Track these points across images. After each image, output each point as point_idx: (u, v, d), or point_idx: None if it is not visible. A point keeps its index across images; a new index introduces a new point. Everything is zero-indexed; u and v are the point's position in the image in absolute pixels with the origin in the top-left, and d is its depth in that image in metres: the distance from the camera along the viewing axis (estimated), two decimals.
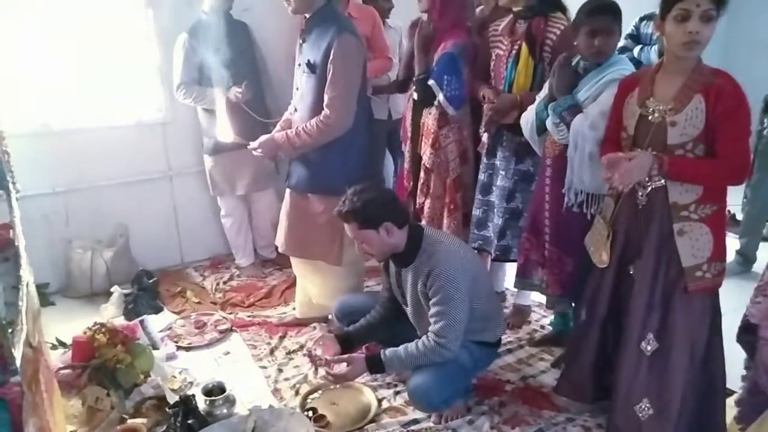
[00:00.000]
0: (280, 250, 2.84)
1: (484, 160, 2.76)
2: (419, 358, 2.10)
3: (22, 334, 1.33)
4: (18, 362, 1.17)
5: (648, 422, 2.00)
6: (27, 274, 1.78)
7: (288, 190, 2.72)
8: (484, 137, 2.72)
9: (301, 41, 2.53)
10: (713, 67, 1.81)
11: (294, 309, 3.06)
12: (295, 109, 2.59)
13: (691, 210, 1.85)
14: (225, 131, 3.25)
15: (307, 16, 2.47)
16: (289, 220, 2.70)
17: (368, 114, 2.68)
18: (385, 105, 3.70)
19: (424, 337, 2.11)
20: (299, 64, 2.53)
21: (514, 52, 2.53)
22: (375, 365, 2.14)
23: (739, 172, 1.84)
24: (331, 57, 2.37)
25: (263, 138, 2.60)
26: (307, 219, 2.64)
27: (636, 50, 3.40)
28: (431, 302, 2.11)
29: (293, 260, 2.87)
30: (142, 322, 2.73)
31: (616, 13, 2.17)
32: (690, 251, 1.87)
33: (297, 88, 2.57)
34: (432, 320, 2.11)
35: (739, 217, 3.78)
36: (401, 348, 2.13)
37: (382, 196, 2.15)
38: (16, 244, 1.82)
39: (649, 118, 1.87)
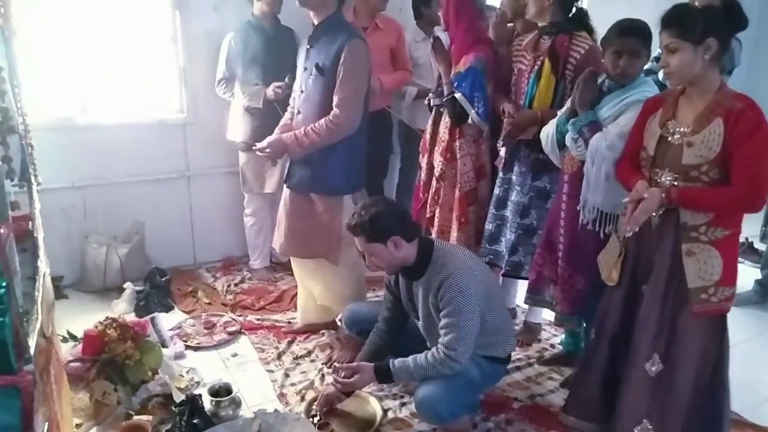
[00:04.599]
0: (278, 251, 2.85)
1: (500, 174, 2.75)
2: (428, 370, 2.08)
3: (36, 324, 1.35)
4: (32, 351, 1.18)
5: None
6: (44, 266, 1.80)
7: (287, 192, 2.72)
8: (502, 151, 2.71)
9: (308, 46, 2.57)
10: (736, 91, 1.80)
11: None
12: (298, 112, 2.62)
13: (701, 232, 1.84)
14: (236, 131, 3.31)
15: (316, 23, 2.54)
16: (290, 220, 2.70)
17: (368, 117, 2.70)
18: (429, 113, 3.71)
19: (434, 349, 2.10)
20: (305, 68, 2.58)
21: (536, 67, 2.53)
22: (383, 375, 2.13)
23: (754, 200, 1.80)
24: (342, 60, 2.44)
25: (271, 138, 2.61)
26: (308, 219, 2.64)
27: (661, 73, 3.37)
28: (442, 314, 2.10)
29: (295, 263, 2.86)
30: (152, 319, 2.74)
31: (644, 35, 2.16)
32: (697, 273, 1.85)
33: (302, 91, 2.60)
34: (442, 332, 2.10)
35: (758, 245, 3.73)
36: (410, 359, 2.11)
37: (391, 210, 2.15)
38: (35, 235, 1.84)
39: (669, 139, 1.87)
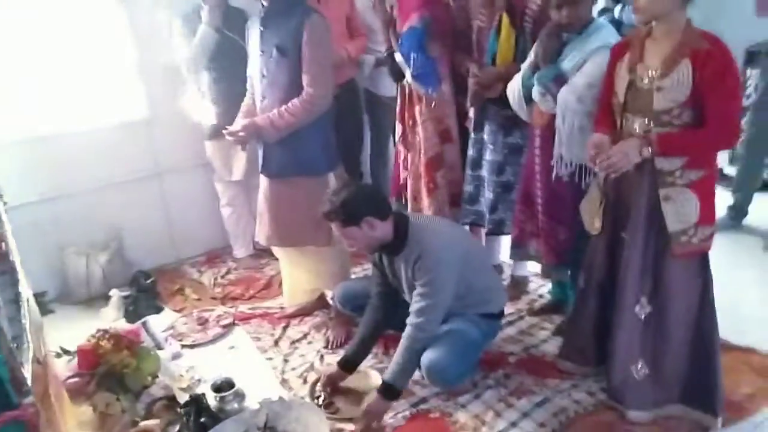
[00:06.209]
0: (263, 243, 2.81)
1: (472, 135, 2.76)
2: (410, 352, 2.12)
3: (29, 352, 1.34)
4: (29, 382, 1.17)
5: (644, 382, 2.06)
6: (26, 290, 1.78)
7: (266, 181, 2.65)
8: (471, 112, 2.71)
9: (261, 28, 2.51)
10: (702, 29, 1.79)
11: None
12: (263, 98, 2.55)
13: (677, 176, 1.87)
14: (207, 113, 3.26)
15: (266, 3, 2.47)
16: (273, 210, 2.65)
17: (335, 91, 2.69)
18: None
19: (406, 329, 2.14)
20: (262, 52, 2.51)
21: (495, 23, 2.52)
22: (389, 391, 2.14)
23: (729, 138, 1.86)
24: (305, 38, 2.38)
25: (245, 122, 2.56)
26: (293, 205, 2.61)
27: (617, 10, 3.37)
28: (417, 284, 2.15)
29: (278, 251, 2.86)
30: (144, 323, 2.73)
31: None
32: (676, 216, 1.89)
33: (264, 75, 2.53)
34: (414, 299, 2.15)
35: (726, 170, 3.82)
36: (394, 358, 2.15)
37: (361, 192, 2.17)
38: (11, 258, 1.81)
39: (638, 84, 1.87)
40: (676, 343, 2.02)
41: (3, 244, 1.83)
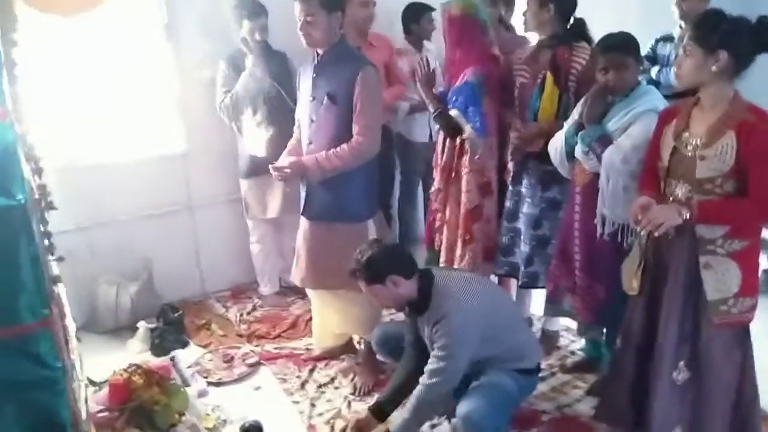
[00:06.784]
0: (298, 284, 2.80)
1: (510, 187, 2.77)
2: (418, 410, 2.13)
3: (80, 390, 1.33)
4: (85, 425, 1.17)
5: None
6: (72, 323, 1.78)
7: (306, 223, 2.67)
8: (510, 165, 2.73)
9: (314, 75, 2.55)
10: (750, 103, 1.81)
11: None
12: (309, 142, 2.59)
13: (718, 244, 1.85)
14: (258, 146, 3.29)
15: (320, 52, 2.51)
16: (311, 253, 2.65)
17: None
18: (427, 126, 3.67)
19: (417, 387, 2.14)
20: (313, 98, 2.55)
21: (539, 80, 2.56)
22: None
23: None
24: (358, 88, 2.42)
25: (292, 159, 2.59)
26: (331, 249, 2.60)
27: (654, 71, 3.41)
28: (435, 345, 2.15)
29: (311, 293, 2.85)
30: (173, 359, 2.71)
31: (626, 47, 2.20)
32: (715, 285, 1.86)
33: (312, 120, 2.57)
34: (430, 360, 2.15)
35: (763, 233, 3.78)
36: (402, 413, 2.16)
37: (386, 251, 2.18)
38: (57, 292, 1.82)
39: (683, 151, 1.88)
40: (715, 412, 1.97)
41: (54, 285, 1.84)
